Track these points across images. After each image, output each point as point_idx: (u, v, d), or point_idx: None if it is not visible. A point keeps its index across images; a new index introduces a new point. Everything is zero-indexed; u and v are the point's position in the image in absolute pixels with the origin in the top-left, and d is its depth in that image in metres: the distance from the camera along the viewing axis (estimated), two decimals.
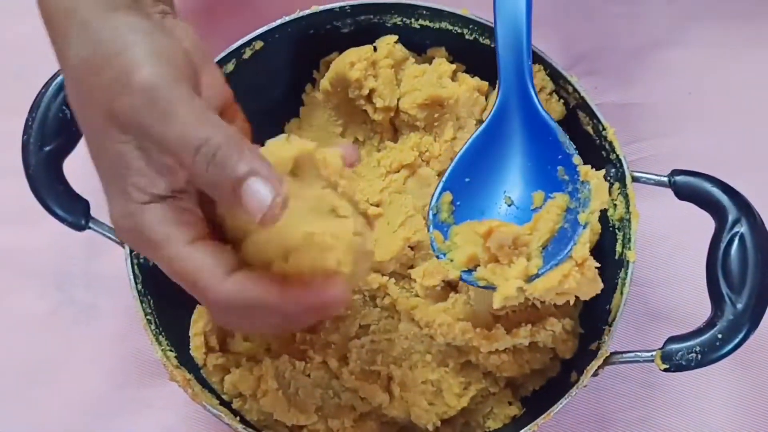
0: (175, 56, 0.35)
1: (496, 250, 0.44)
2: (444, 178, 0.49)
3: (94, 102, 0.35)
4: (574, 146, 0.48)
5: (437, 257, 0.47)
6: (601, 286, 0.45)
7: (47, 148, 0.48)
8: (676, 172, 0.49)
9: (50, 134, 0.48)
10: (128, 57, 0.34)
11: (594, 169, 0.46)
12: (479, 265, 0.45)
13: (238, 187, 0.32)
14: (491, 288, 0.44)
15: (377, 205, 0.52)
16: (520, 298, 0.44)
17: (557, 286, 0.43)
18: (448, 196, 0.49)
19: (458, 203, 0.49)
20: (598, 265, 0.45)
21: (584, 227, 0.45)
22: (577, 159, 0.47)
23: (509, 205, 0.49)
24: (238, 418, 0.49)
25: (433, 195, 0.48)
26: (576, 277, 0.43)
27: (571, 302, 0.45)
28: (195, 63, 0.37)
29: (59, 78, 0.48)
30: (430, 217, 0.48)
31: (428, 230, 0.48)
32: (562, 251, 0.45)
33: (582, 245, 0.44)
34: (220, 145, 0.32)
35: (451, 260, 0.46)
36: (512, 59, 0.48)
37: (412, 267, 0.51)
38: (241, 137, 0.33)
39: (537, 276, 0.44)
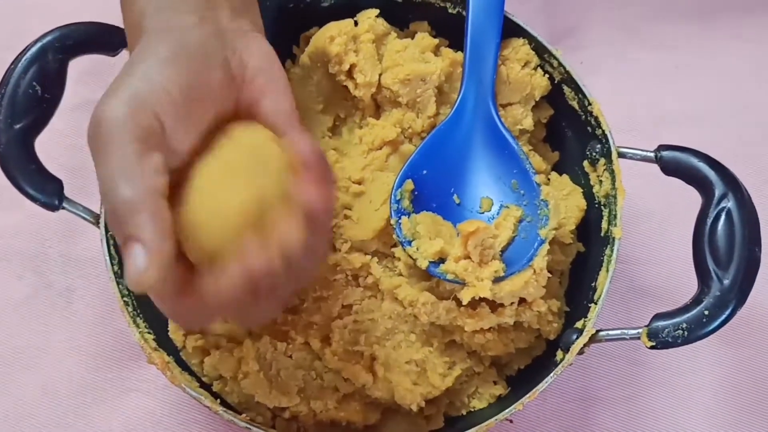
0: (160, 96, 0.35)
1: (472, 249, 0.46)
2: (405, 167, 0.49)
3: None
4: (532, 164, 0.49)
5: (402, 244, 0.48)
6: (544, 291, 0.48)
7: (18, 126, 0.46)
8: (662, 148, 0.48)
9: (21, 111, 0.46)
10: (115, 84, 0.35)
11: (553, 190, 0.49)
12: (445, 259, 0.47)
13: (124, 246, 0.33)
14: (459, 282, 0.46)
15: (359, 183, 0.51)
16: (487, 295, 0.46)
17: (519, 290, 0.46)
18: (410, 185, 0.49)
19: (416, 193, 0.49)
20: (549, 275, 0.48)
21: (544, 241, 0.47)
22: (537, 178, 0.49)
23: (458, 204, 0.50)
24: (218, 400, 0.48)
25: (395, 182, 0.49)
26: (533, 284, 0.47)
27: (515, 304, 0.47)
28: (226, 94, 0.38)
29: (29, 53, 0.46)
30: (393, 203, 0.48)
31: (391, 216, 0.48)
32: (521, 259, 0.47)
33: (542, 257, 0.47)
34: (121, 201, 0.33)
35: (417, 249, 0.48)
36: (477, 70, 0.50)
37: (395, 246, 0.50)
38: (150, 196, 0.34)
39: (501, 278, 0.46)
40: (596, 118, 0.50)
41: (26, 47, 0.46)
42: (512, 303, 0.48)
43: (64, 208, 0.47)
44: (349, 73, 0.51)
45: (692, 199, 0.47)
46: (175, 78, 0.36)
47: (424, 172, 0.50)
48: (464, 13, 0.50)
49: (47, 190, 0.47)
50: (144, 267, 0.33)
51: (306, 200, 0.35)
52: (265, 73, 0.39)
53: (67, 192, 0.47)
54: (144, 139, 0.34)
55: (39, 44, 0.47)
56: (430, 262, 0.47)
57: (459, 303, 0.48)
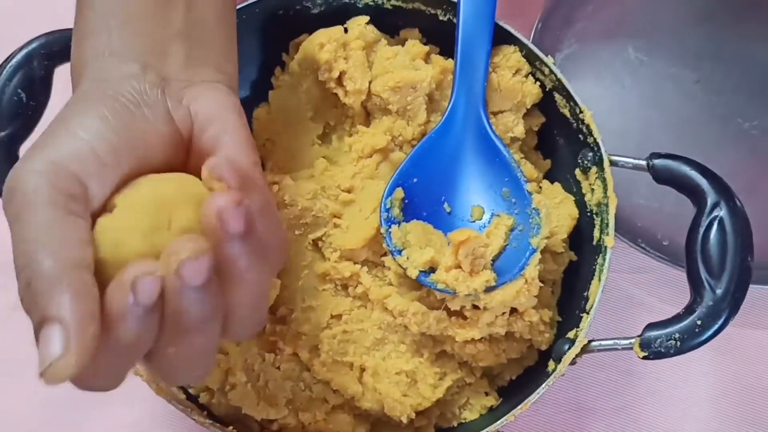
0: (84, 156, 0.31)
1: (463, 258, 0.45)
2: (395, 175, 0.49)
3: None
4: (523, 172, 0.49)
5: (392, 253, 0.47)
6: (536, 300, 0.47)
7: (3, 133, 0.46)
8: (654, 156, 0.48)
9: (6, 119, 0.46)
10: (36, 144, 0.32)
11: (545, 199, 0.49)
12: (435, 268, 0.46)
13: (39, 328, 0.29)
14: (450, 292, 0.46)
15: (349, 191, 0.50)
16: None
17: (510, 300, 0.46)
18: (400, 193, 0.48)
19: (407, 201, 0.49)
20: (541, 284, 0.47)
21: (536, 250, 0.47)
22: (529, 187, 0.48)
23: (448, 213, 0.49)
24: (205, 412, 0.47)
25: (385, 190, 0.48)
26: (525, 294, 0.46)
27: (507, 314, 0.47)
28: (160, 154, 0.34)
29: (14, 60, 0.46)
30: (383, 211, 0.48)
31: (381, 225, 0.48)
32: (512, 268, 0.46)
33: (533, 267, 0.46)
34: (41, 274, 0.29)
35: (407, 258, 0.47)
36: (468, 77, 0.49)
37: (385, 255, 0.50)
38: (73, 270, 0.29)
39: (492, 288, 0.46)
40: (588, 126, 0.50)
41: (11, 54, 0.46)
42: (504, 313, 0.47)
43: None
44: (339, 81, 0.51)
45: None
46: (103, 134, 0.32)
47: (415, 180, 0.49)
48: (455, 20, 0.50)
49: None
50: (60, 353, 0.27)
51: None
52: (219, 123, 0.35)
53: None
54: (64, 205, 0.30)
55: (24, 51, 0.46)
56: (421, 271, 0.47)
57: (450, 313, 0.48)
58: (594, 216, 0.50)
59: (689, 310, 0.45)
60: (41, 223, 0.29)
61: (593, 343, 0.47)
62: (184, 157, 0.35)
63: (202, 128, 0.35)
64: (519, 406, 0.46)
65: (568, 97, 0.50)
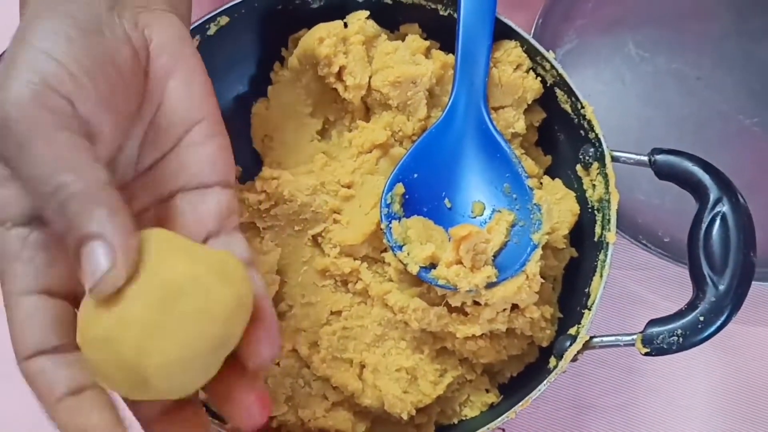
0: (60, 73, 0.30)
1: (464, 254, 0.45)
2: (396, 170, 0.49)
3: None
4: (525, 168, 0.48)
5: (392, 249, 0.47)
6: (537, 297, 0.47)
7: None
8: (656, 151, 0.48)
9: None
10: (14, 69, 0.30)
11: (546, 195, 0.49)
12: (436, 264, 0.46)
13: (80, 247, 0.29)
14: (451, 288, 0.45)
15: (349, 187, 0.50)
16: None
17: (511, 296, 0.45)
18: (400, 188, 0.48)
19: (407, 197, 0.48)
20: (542, 280, 0.47)
21: (537, 246, 0.46)
22: (530, 183, 0.48)
23: (449, 209, 0.49)
24: (203, 408, 0.47)
25: (385, 186, 0.48)
26: (526, 290, 0.46)
27: (508, 310, 0.47)
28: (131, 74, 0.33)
29: None
30: (384, 207, 0.47)
31: (381, 220, 0.47)
32: (513, 264, 0.46)
33: (534, 263, 0.46)
34: (75, 195, 0.29)
35: (408, 254, 0.47)
36: (469, 73, 0.49)
37: (385, 250, 0.49)
38: (103, 189, 0.29)
39: (494, 284, 0.45)
40: (589, 122, 0.49)
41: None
42: (504, 309, 0.47)
43: None
44: (339, 76, 0.50)
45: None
46: (74, 55, 0.30)
47: (415, 175, 0.49)
48: (455, 15, 0.50)
49: None
50: (108, 267, 0.28)
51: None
52: (172, 51, 0.34)
53: None
54: (67, 126, 0.29)
55: None
56: (421, 267, 0.46)
57: (450, 309, 0.47)
58: (595, 212, 0.50)
59: (692, 306, 0.45)
60: (58, 144, 0.29)
61: (595, 340, 0.46)
62: (144, 81, 0.34)
63: (156, 54, 0.34)
64: (520, 403, 0.45)
65: (570, 93, 0.50)
